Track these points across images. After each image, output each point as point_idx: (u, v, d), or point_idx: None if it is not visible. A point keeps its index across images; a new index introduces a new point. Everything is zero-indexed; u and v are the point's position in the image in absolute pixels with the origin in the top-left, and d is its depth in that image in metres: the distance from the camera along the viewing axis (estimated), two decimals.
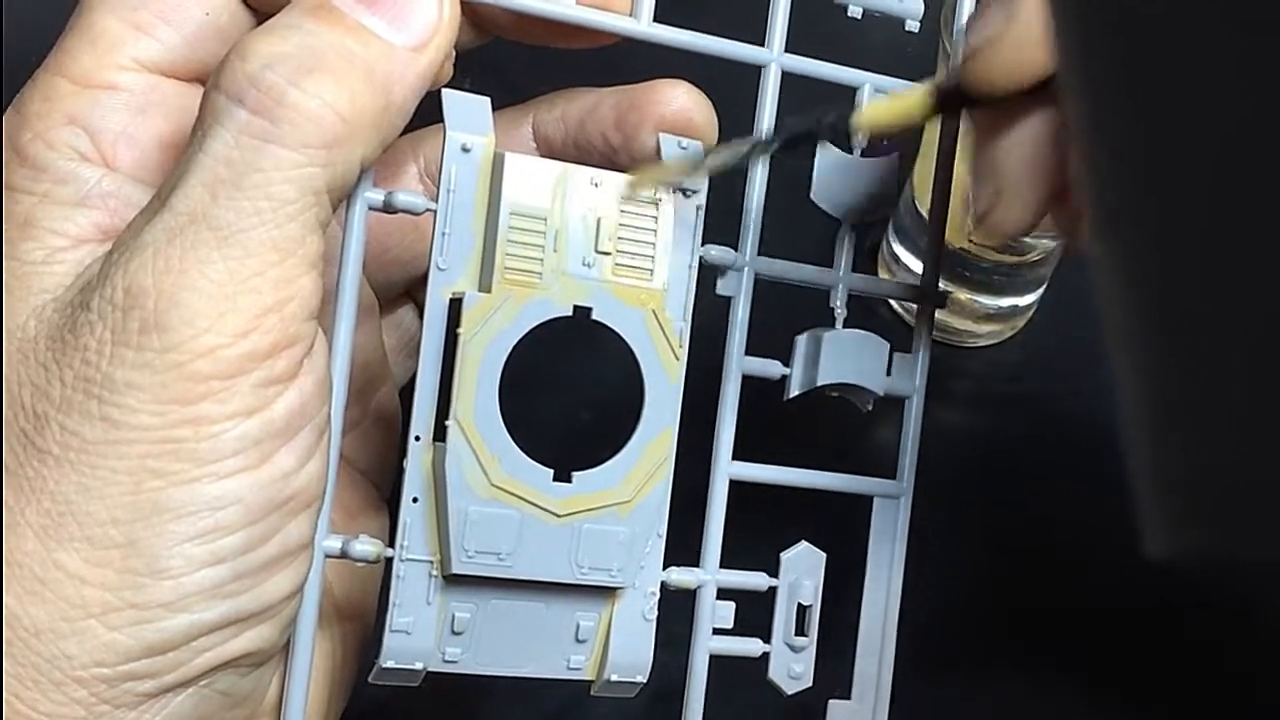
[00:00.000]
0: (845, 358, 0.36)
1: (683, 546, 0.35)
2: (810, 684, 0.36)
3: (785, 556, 0.36)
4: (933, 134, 0.38)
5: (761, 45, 0.36)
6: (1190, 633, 0.50)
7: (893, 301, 0.52)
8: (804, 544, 0.36)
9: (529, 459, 0.33)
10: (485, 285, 0.32)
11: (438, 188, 0.32)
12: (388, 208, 0.32)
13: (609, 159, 0.35)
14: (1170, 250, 0.19)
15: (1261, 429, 0.18)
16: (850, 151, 0.36)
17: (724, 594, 0.35)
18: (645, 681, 0.34)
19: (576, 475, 0.33)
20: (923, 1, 0.36)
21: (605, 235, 0.33)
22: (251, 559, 0.29)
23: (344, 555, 0.32)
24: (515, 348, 0.32)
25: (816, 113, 0.33)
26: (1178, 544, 0.20)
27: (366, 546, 0.32)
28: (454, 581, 0.32)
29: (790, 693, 0.36)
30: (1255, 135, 0.17)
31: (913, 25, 0.36)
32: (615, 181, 0.33)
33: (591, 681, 0.34)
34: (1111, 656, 0.49)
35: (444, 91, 0.32)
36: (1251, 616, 0.50)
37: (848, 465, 0.37)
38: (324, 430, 0.31)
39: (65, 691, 0.28)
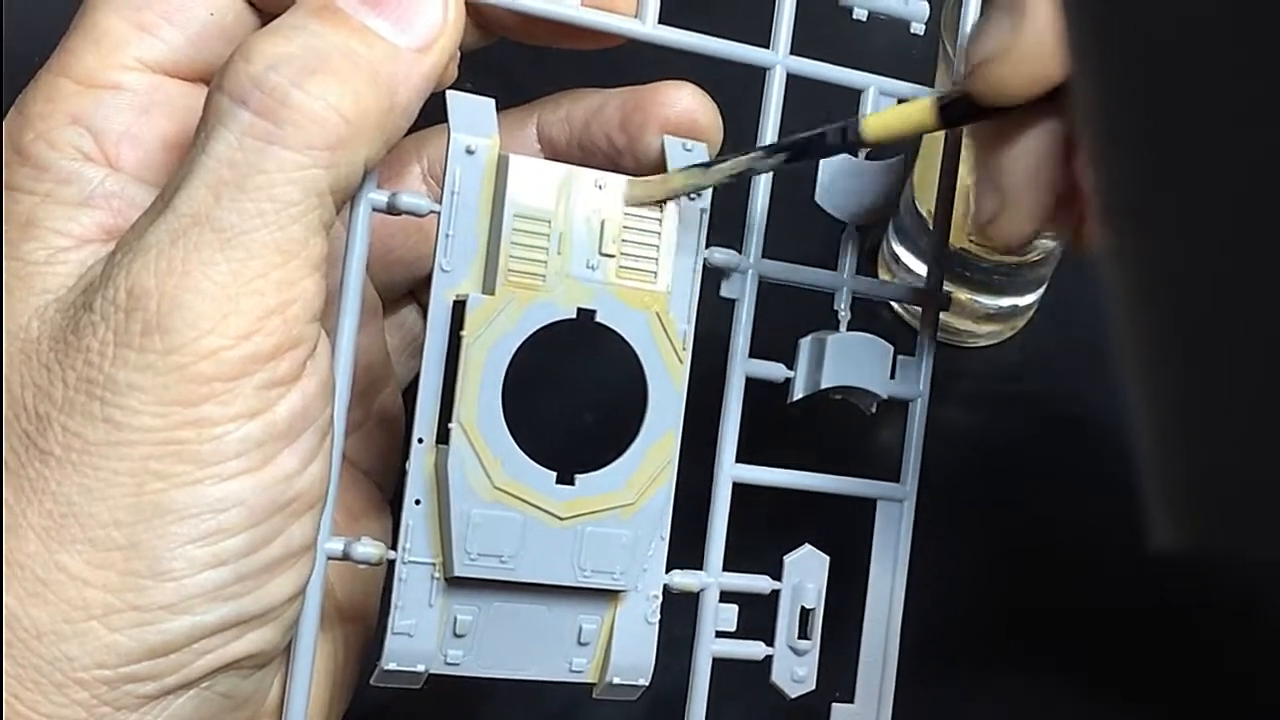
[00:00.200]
0: (849, 361, 0.36)
1: (686, 549, 0.35)
2: (813, 687, 0.36)
3: (788, 559, 0.36)
4: (932, 135, 0.38)
5: (767, 47, 0.35)
6: (1190, 633, 0.50)
7: (894, 303, 0.52)
8: (807, 547, 0.36)
9: (532, 461, 0.32)
10: (489, 287, 0.32)
11: (441, 189, 0.32)
12: (391, 209, 0.32)
13: (613, 160, 0.35)
14: (1183, 250, 0.19)
15: (1272, 427, 0.18)
16: (855, 155, 0.36)
17: (727, 597, 0.35)
18: (648, 684, 0.34)
19: (579, 478, 0.33)
20: (928, 4, 0.36)
21: (609, 238, 0.33)
22: (254, 561, 0.29)
23: (346, 557, 0.32)
24: (519, 350, 0.32)
25: (824, 123, 0.33)
26: (1184, 538, 0.20)
27: (369, 549, 0.32)
28: (456, 584, 0.32)
29: (793, 696, 0.36)
30: (1271, 136, 0.17)
31: (918, 28, 0.36)
32: (620, 184, 0.33)
33: (594, 684, 0.34)
34: (1111, 656, 0.49)
35: (448, 93, 0.32)
36: (1251, 616, 0.50)
37: (850, 467, 0.37)
38: (327, 432, 0.31)
39: (66, 693, 0.28)
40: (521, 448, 0.32)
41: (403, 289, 0.38)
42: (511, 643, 0.33)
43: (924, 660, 0.39)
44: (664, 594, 0.34)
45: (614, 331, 0.33)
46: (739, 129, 0.35)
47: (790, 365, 0.36)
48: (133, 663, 0.28)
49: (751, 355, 0.36)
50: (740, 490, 0.36)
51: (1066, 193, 0.33)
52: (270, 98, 0.29)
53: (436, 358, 0.32)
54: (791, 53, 0.36)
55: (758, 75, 0.36)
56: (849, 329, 0.36)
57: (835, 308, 0.36)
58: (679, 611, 0.35)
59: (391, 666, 0.32)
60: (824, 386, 0.36)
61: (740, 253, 0.35)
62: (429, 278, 0.32)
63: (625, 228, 0.33)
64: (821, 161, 0.36)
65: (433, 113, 0.32)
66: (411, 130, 0.31)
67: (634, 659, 0.34)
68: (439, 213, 0.32)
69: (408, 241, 0.37)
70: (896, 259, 0.53)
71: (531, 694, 0.41)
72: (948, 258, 0.38)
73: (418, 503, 0.32)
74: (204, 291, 0.28)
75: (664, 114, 0.34)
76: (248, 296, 0.28)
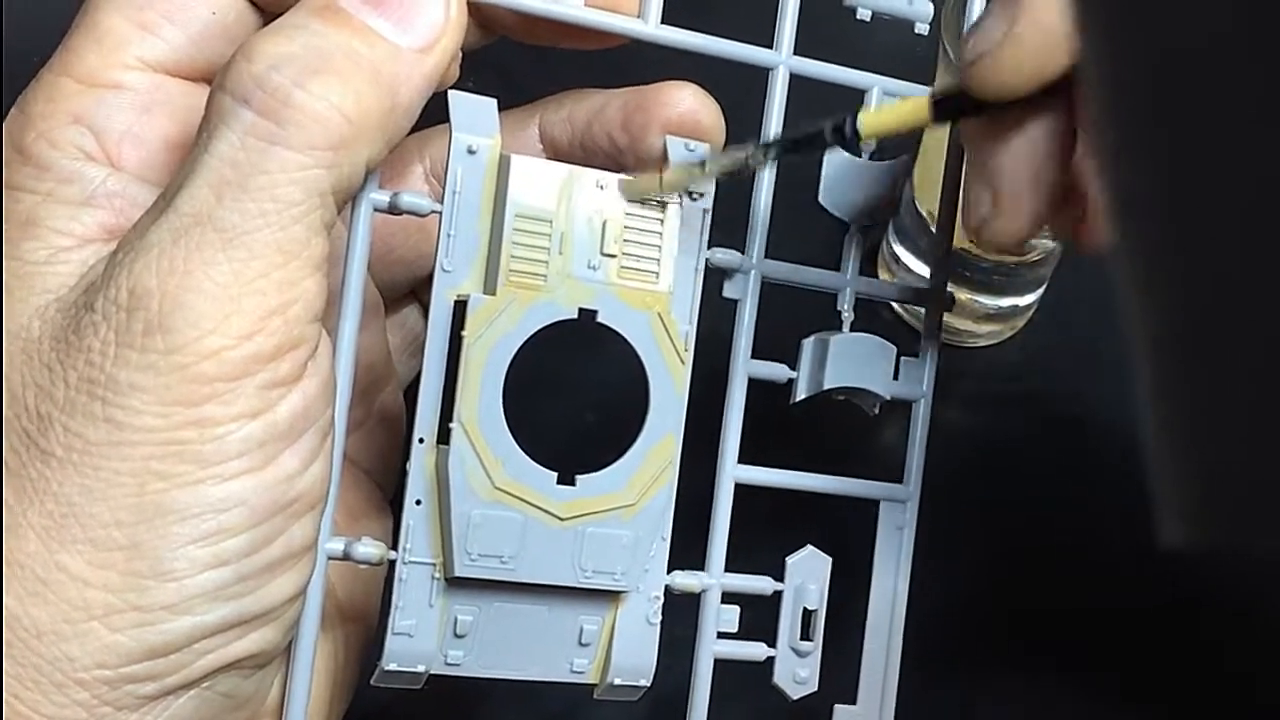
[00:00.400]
0: (852, 361, 0.36)
1: (687, 550, 0.35)
2: (815, 689, 0.36)
3: (790, 560, 0.36)
4: (932, 135, 0.37)
5: (770, 48, 0.35)
6: (1190, 633, 0.50)
7: (894, 303, 0.52)
8: (809, 548, 0.36)
9: (533, 462, 0.32)
10: (490, 287, 0.32)
11: (443, 189, 0.32)
12: (393, 209, 0.32)
13: (615, 160, 0.35)
14: (1193, 250, 0.19)
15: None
16: (856, 155, 0.36)
17: (729, 598, 0.35)
18: (649, 685, 0.34)
19: (580, 478, 0.33)
20: (932, 4, 0.36)
21: (611, 238, 0.33)
22: (255, 561, 0.29)
23: (347, 557, 0.32)
24: (520, 350, 0.32)
25: (821, 118, 0.33)
26: (1193, 536, 0.20)
27: (369, 549, 0.32)
28: (457, 584, 0.32)
29: (795, 697, 0.36)
30: None
31: (922, 28, 0.36)
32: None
33: (595, 685, 0.34)
34: (1111, 656, 0.49)
35: (450, 93, 0.32)
36: (1252, 616, 0.50)
37: (852, 468, 0.37)
38: (328, 432, 0.30)
39: (67, 693, 0.28)
40: (522, 448, 0.32)
41: (404, 288, 0.38)
42: (512, 643, 0.33)
43: (925, 661, 0.39)
44: (665, 595, 0.34)
45: (615, 332, 0.33)
46: (742, 130, 0.35)
47: (793, 366, 0.36)
48: (133, 663, 0.28)
49: (754, 356, 0.36)
50: (742, 491, 0.36)
51: (1063, 192, 0.32)
52: (273, 98, 0.29)
53: (438, 358, 0.32)
54: (795, 53, 0.36)
55: (761, 76, 0.35)
56: (851, 330, 0.36)
57: (838, 308, 0.36)
58: (680, 612, 0.35)
59: (392, 667, 0.32)
60: (827, 387, 0.36)
61: (742, 253, 0.35)
62: (430, 277, 0.32)
63: (627, 228, 0.33)
64: (824, 161, 0.36)
65: (435, 112, 0.32)
66: (413, 130, 0.31)
67: (635, 660, 0.34)
68: (440, 212, 0.32)
69: (409, 241, 0.37)
70: (896, 259, 0.53)
71: (532, 694, 0.41)
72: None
73: (418, 503, 0.32)
74: (206, 291, 0.28)
75: (666, 114, 0.34)
76: (249, 296, 0.28)
